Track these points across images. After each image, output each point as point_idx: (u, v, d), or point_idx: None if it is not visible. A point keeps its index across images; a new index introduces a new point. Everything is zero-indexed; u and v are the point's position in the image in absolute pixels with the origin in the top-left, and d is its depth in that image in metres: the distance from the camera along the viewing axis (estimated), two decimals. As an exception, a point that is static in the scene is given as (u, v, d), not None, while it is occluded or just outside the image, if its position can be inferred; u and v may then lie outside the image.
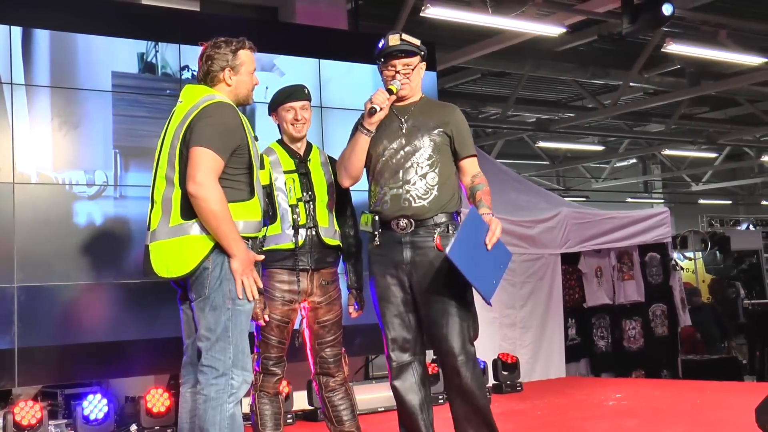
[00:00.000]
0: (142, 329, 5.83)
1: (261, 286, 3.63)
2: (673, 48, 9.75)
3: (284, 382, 5.32)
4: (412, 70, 4.03)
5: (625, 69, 11.96)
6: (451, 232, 3.92)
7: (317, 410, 6.14)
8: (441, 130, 3.99)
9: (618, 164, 21.52)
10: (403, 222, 3.93)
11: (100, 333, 5.75)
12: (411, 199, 3.92)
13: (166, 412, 5.71)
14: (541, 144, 18.03)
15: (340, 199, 4.41)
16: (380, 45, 4.03)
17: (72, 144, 5.79)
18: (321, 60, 6.88)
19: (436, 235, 3.90)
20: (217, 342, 3.45)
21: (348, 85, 7.01)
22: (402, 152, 3.98)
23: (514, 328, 8.18)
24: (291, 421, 6.02)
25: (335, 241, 4.32)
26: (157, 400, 5.70)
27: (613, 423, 5.88)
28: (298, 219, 4.20)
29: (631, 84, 12.58)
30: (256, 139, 3.71)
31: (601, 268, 9.46)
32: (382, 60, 4.04)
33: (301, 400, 6.36)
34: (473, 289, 3.83)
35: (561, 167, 20.62)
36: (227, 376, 3.45)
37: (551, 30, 9.02)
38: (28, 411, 5.30)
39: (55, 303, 5.60)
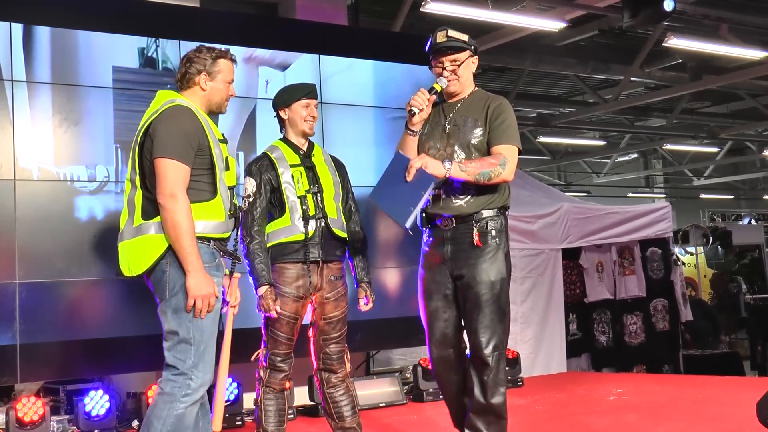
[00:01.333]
0: (144, 325, 5.81)
1: (214, 306, 3.53)
2: (675, 42, 9.74)
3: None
4: (459, 65, 4.05)
5: (626, 63, 11.94)
6: (490, 227, 3.95)
7: (318, 405, 6.15)
8: (480, 127, 4.01)
9: (619, 159, 21.49)
10: (444, 219, 4.00)
11: (102, 329, 5.75)
12: (450, 198, 3.97)
13: (168, 407, 5.71)
14: (542, 139, 18.04)
15: (345, 195, 4.44)
16: (428, 43, 4.09)
17: (73, 140, 5.79)
18: (321, 56, 6.86)
19: (474, 232, 3.95)
20: (178, 344, 3.49)
21: (348, 80, 7.00)
22: (444, 152, 4.02)
23: (515, 324, 8.17)
24: (292, 416, 6.03)
25: (343, 234, 4.35)
26: (158, 395, 5.70)
27: (615, 418, 5.88)
28: (308, 210, 4.21)
29: (632, 79, 12.57)
30: (224, 141, 3.75)
31: (602, 263, 9.46)
32: (432, 57, 4.09)
33: (301, 396, 6.37)
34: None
35: (562, 162, 20.60)
36: (186, 376, 3.48)
37: (552, 25, 9.01)
38: (30, 407, 5.31)
39: (56, 299, 5.60)
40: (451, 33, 4.05)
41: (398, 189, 3.77)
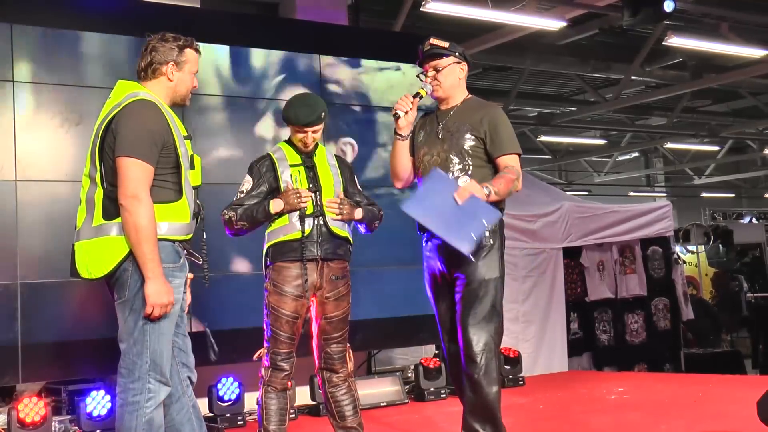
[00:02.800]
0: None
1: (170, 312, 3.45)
2: (675, 41, 9.74)
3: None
4: (440, 71, 4.16)
5: (626, 62, 11.94)
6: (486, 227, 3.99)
7: (320, 405, 6.15)
8: (473, 134, 4.10)
9: (620, 158, 21.48)
10: None
11: (103, 329, 5.74)
12: None
13: (169, 407, 5.72)
14: (543, 138, 18.03)
15: (349, 194, 4.44)
16: (419, 53, 4.22)
17: (74, 141, 5.79)
18: (321, 56, 6.86)
19: None
20: (134, 345, 3.40)
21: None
22: (438, 158, 4.13)
23: (516, 323, 8.18)
24: (293, 416, 6.03)
25: (344, 233, 4.33)
26: (160, 395, 5.71)
27: (616, 417, 5.88)
28: (305, 209, 4.21)
29: (632, 77, 12.57)
30: (189, 138, 3.63)
31: (603, 262, 9.46)
32: (420, 66, 4.24)
33: (303, 395, 6.37)
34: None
35: (563, 161, 20.59)
36: (143, 380, 3.39)
37: (552, 24, 9.01)
38: (32, 408, 5.31)
39: (58, 299, 5.61)
40: (433, 41, 4.19)
41: (448, 210, 3.84)
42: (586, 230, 8.98)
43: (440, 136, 4.15)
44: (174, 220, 3.47)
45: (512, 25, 9.11)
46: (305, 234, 4.20)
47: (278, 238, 4.23)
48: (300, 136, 4.30)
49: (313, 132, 4.30)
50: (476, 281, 4.00)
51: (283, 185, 4.25)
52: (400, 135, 4.17)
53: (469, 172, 4.05)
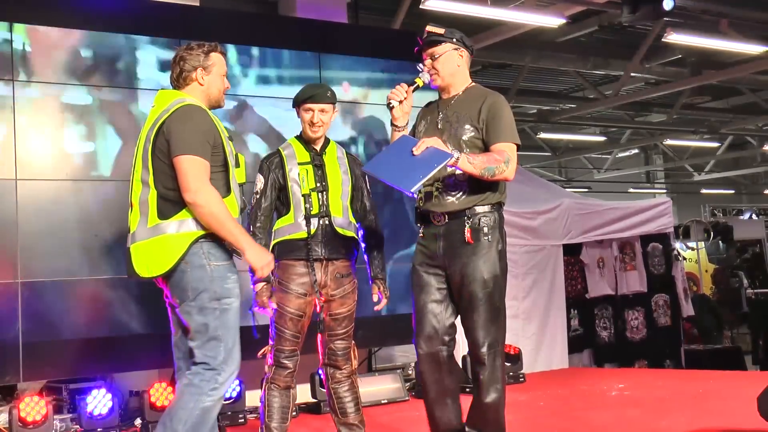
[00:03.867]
0: (146, 324, 5.85)
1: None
2: (674, 38, 9.74)
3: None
4: (437, 59, 4.03)
5: (626, 59, 11.94)
6: (483, 224, 3.93)
7: (320, 403, 6.17)
8: (473, 123, 3.98)
9: (620, 155, 21.52)
10: (436, 216, 4.00)
11: (104, 328, 5.76)
12: (441, 196, 3.97)
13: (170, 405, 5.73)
14: (543, 135, 18.04)
15: (357, 193, 4.44)
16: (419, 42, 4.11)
17: (74, 140, 5.79)
18: (321, 54, 6.86)
19: (466, 228, 3.93)
20: (208, 342, 3.52)
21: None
22: None
23: (516, 320, 8.19)
24: (294, 413, 6.03)
25: (349, 233, 4.34)
26: (161, 394, 5.72)
27: (616, 413, 5.89)
28: (311, 208, 4.22)
29: (632, 74, 12.56)
30: (230, 138, 3.77)
31: (603, 258, 9.46)
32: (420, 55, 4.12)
33: (304, 393, 6.38)
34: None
35: (563, 158, 20.62)
36: (215, 371, 3.51)
37: (551, 21, 9.01)
38: (33, 406, 5.31)
39: (58, 298, 5.61)
40: (429, 28, 4.06)
41: (403, 162, 3.75)
42: (586, 227, 8.99)
43: (439, 126, 4.03)
44: None
45: (512, 22, 9.12)
46: (311, 234, 4.21)
47: (284, 237, 4.24)
48: (307, 117, 4.29)
49: (321, 112, 4.28)
50: (477, 280, 3.90)
51: (290, 183, 4.25)
52: (396, 125, 4.03)
53: None
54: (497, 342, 3.95)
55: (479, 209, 3.95)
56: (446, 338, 4.03)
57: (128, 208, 3.68)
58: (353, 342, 4.42)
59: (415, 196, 3.91)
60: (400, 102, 3.97)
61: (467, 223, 3.93)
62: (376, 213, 4.54)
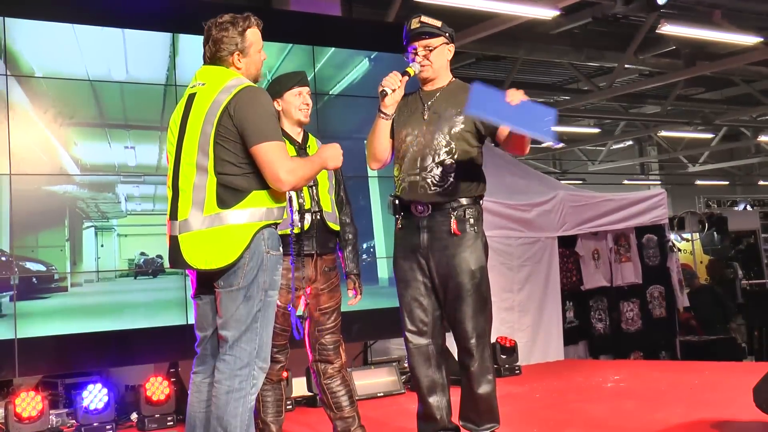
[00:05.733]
0: (141, 318, 5.84)
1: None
2: (668, 29, 9.73)
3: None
4: (431, 51, 4.03)
5: (620, 51, 11.93)
6: (468, 215, 3.94)
7: (316, 396, 6.16)
8: (462, 117, 3.97)
9: (614, 146, 21.51)
10: (420, 207, 3.97)
11: (99, 322, 5.75)
12: (426, 186, 3.96)
13: (166, 400, 5.73)
14: (537, 127, 17.99)
15: (338, 186, 4.44)
16: (404, 30, 4.08)
17: (68, 134, 5.77)
18: (315, 47, 6.84)
19: (452, 220, 3.93)
20: (245, 333, 3.40)
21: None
22: (422, 139, 3.99)
23: (512, 312, 8.20)
24: (290, 407, 6.04)
25: (337, 226, 4.35)
26: (156, 388, 5.72)
27: (612, 405, 5.90)
28: (303, 203, 4.21)
29: (626, 66, 12.54)
30: None
31: (598, 250, 9.47)
32: (406, 44, 4.08)
33: (300, 387, 6.38)
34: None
35: (557, 150, 20.61)
36: (250, 367, 3.40)
37: (545, 13, 9.00)
38: (29, 402, 5.31)
39: (54, 293, 5.60)
40: (424, 19, 4.05)
41: (511, 110, 3.67)
42: (581, 219, 8.99)
43: (426, 117, 4.01)
44: (273, 204, 3.46)
45: (505, 14, 9.10)
46: (304, 229, 4.20)
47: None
48: (298, 101, 4.29)
49: (308, 94, 4.33)
50: (465, 272, 3.91)
51: None
52: (385, 113, 3.99)
53: (455, 156, 3.94)
54: (485, 333, 3.97)
55: (464, 201, 3.96)
56: (435, 332, 4.05)
57: (169, 194, 3.50)
58: (341, 335, 4.42)
59: (559, 144, 3.90)
60: (393, 90, 3.94)
61: (452, 214, 3.94)
62: (351, 206, 4.54)
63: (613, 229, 9.50)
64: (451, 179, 3.94)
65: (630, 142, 21.99)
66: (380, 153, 4.11)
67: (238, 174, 3.36)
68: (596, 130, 19.41)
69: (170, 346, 5.94)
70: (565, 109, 15.19)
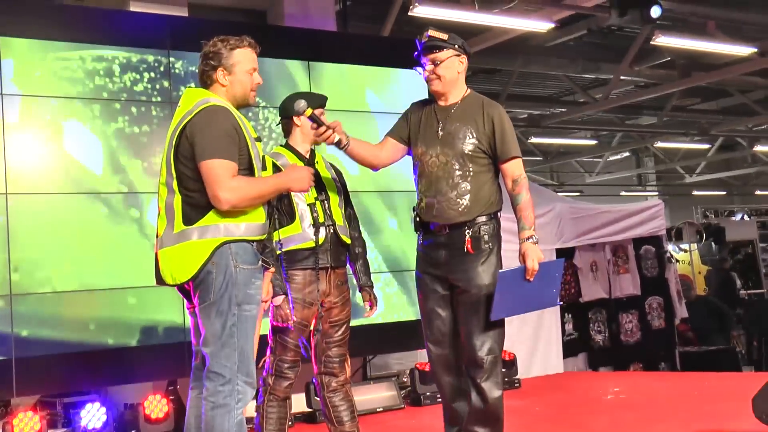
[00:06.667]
0: (139, 336, 5.82)
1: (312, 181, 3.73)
2: (663, 41, 9.76)
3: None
4: (438, 65, 4.03)
5: (615, 62, 11.97)
6: (483, 232, 4.02)
7: (316, 412, 6.14)
8: (476, 136, 4.00)
9: (611, 158, 21.52)
10: (438, 226, 4.04)
11: (97, 341, 5.73)
12: (442, 209, 4.01)
13: (165, 418, 5.71)
14: (534, 140, 18.05)
15: (345, 201, 4.44)
16: (417, 44, 4.09)
17: (64, 153, 5.77)
18: (311, 62, 6.85)
19: (467, 238, 3.99)
20: (222, 348, 3.42)
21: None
22: (437, 160, 4.04)
23: (510, 325, 8.02)
24: (290, 423, 6.01)
25: (348, 240, 4.37)
26: (155, 406, 5.70)
27: (613, 417, 5.89)
28: (318, 217, 4.21)
29: (621, 77, 12.59)
30: (258, 140, 3.65)
31: (596, 262, 9.46)
32: (418, 58, 4.10)
33: (299, 403, 6.36)
34: None
35: (554, 162, 20.63)
36: (233, 383, 3.43)
37: (540, 26, 9.03)
38: (27, 422, 5.29)
39: (52, 311, 5.58)
40: (431, 32, 4.06)
41: (526, 290, 3.99)
42: (579, 231, 8.99)
43: (440, 137, 4.03)
44: (251, 220, 3.49)
45: (500, 27, 9.13)
46: (319, 243, 4.20)
47: (290, 247, 4.19)
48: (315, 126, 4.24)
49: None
50: (477, 286, 3.95)
51: (292, 194, 4.19)
52: (345, 144, 4.05)
53: (469, 179, 3.99)
54: (497, 346, 3.99)
55: (479, 219, 4.02)
56: (453, 341, 4.11)
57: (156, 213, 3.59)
58: (347, 349, 4.41)
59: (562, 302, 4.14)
60: (333, 130, 4.00)
61: (467, 233, 3.99)
62: (358, 220, 4.54)
63: (611, 241, 9.50)
64: (466, 202, 4.00)
65: (627, 154, 22.02)
66: (371, 161, 4.24)
67: (199, 191, 3.43)
68: (593, 142, 19.44)
69: (168, 364, 5.92)
70: (562, 121, 15.23)
